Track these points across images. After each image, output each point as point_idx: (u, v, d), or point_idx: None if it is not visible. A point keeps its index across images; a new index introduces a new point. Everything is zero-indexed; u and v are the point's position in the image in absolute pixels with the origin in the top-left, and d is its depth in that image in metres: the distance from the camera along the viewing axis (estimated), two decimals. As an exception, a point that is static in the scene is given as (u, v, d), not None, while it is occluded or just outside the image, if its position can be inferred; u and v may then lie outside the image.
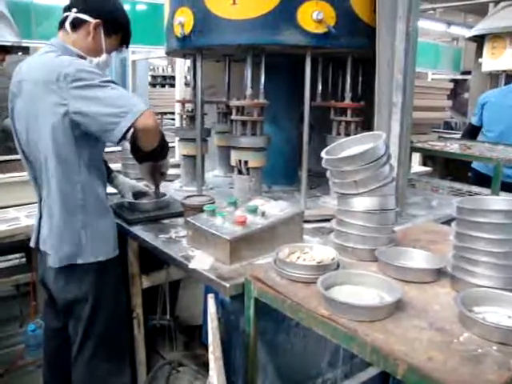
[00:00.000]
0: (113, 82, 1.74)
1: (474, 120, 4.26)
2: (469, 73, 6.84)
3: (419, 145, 3.49)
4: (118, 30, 1.96)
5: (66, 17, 1.86)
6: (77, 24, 1.85)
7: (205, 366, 2.46)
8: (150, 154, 1.93)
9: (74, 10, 1.85)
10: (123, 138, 1.70)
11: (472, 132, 4.32)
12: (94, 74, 1.69)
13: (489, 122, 4.17)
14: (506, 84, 5.24)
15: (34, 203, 2.77)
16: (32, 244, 1.96)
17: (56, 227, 1.81)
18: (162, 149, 1.95)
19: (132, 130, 1.70)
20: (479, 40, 5.26)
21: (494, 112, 4.13)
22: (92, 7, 1.87)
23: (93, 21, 1.85)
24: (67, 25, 1.85)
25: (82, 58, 1.87)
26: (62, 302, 1.89)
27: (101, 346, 1.91)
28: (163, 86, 9.66)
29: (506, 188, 3.23)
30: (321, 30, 2.06)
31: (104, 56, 1.94)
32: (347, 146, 1.74)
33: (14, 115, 1.88)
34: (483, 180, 3.79)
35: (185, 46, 2.29)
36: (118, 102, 1.68)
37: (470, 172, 4.25)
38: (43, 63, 1.77)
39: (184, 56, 2.75)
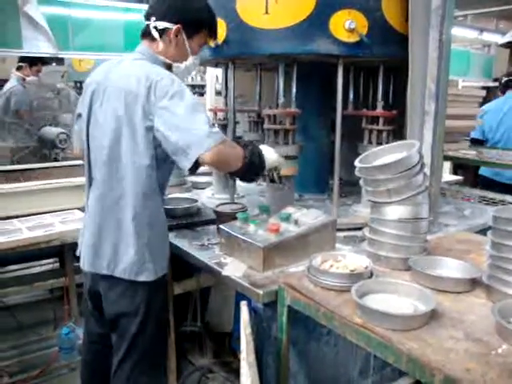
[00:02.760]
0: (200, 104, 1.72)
1: (473, 134, 4.24)
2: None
3: (451, 153, 3.44)
4: (201, 28, 1.89)
5: (147, 25, 1.84)
6: (158, 32, 1.82)
7: (234, 372, 2.48)
8: (238, 174, 1.88)
9: (153, 18, 1.82)
10: (195, 167, 1.69)
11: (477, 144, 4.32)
12: (183, 96, 1.66)
13: (489, 129, 4.29)
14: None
15: (68, 209, 2.87)
16: (78, 253, 1.95)
17: (124, 242, 1.77)
18: (249, 167, 1.83)
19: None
20: (512, 46, 5.18)
21: (494, 118, 4.28)
22: (170, 13, 1.81)
23: (172, 27, 1.81)
24: (149, 34, 1.83)
25: (168, 65, 1.87)
26: (111, 313, 1.87)
27: (142, 360, 1.89)
28: (193, 94, 9.77)
29: None
30: (353, 39, 2.07)
31: (190, 59, 1.91)
32: (380, 155, 1.74)
33: (91, 120, 1.82)
34: (491, 186, 3.78)
35: (218, 56, 2.33)
36: (195, 130, 1.63)
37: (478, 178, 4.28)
38: (134, 72, 1.73)
39: (216, 65, 2.79)
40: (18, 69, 4.55)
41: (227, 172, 1.91)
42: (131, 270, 1.76)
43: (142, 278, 1.77)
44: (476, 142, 4.27)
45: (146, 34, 1.85)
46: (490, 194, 3.31)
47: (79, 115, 1.92)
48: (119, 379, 1.91)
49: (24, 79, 4.52)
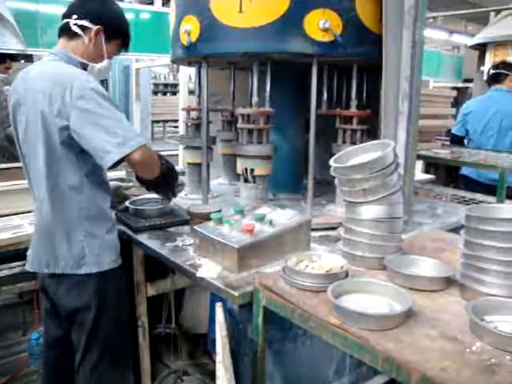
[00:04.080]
0: (116, 106, 1.77)
1: (455, 129, 4.28)
2: (470, 81, 6.87)
3: (423, 153, 3.49)
4: (119, 35, 1.97)
5: (66, 24, 1.86)
6: (77, 31, 1.85)
7: (210, 374, 2.46)
8: (153, 183, 1.98)
9: (74, 16, 1.85)
10: (114, 166, 1.72)
11: (456, 142, 4.36)
12: (99, 96, 1.69)
13: (474, 131, 4.23)
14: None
15: (28, 212, 2.80)
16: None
17: (59, 237, 1.81)
18: (165, 177, 1.98)
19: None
20: (481, 48, 5.28)
21: (478, 121, 4.18)
22: (92, 13, 1.86)
23: (94, 27, 1.86)
24: (68, 32, 1.86)
25: (84, 65, 1.89)
26: (64, 310, 1.89)
27: (104, 354, 1.89)
28: (165, 93, 9.67)
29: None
30: (327, 38, 2.07)
31: (105, 62, 1.95)
32: (355, 155, 1.74)
33: (17, 123, 1.86)
34: (473, 186, 3.83)
35: (191, 54, 2.30)
36: (116, 131, 1.68)
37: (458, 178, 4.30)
38: (50, 73, 1.77)
39: (189, 64, 2.76)
40: None
41: (145, 179, 1.97)
42: (71, 264, 1.80)
43: (83, 271, 1.80)
44: (456, 138, 4.31)
45: (65, 31, 1.87)
46: (469, 194, 3.36)
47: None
48: (82, 376, 1.91)
49: None
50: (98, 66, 1.94)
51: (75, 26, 1.84)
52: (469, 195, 3.45)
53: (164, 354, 2.72)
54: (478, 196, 3.43)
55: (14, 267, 3.31)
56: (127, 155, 1.69)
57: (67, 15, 1.88)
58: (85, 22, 1.84)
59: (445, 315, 1.32)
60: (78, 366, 1.91)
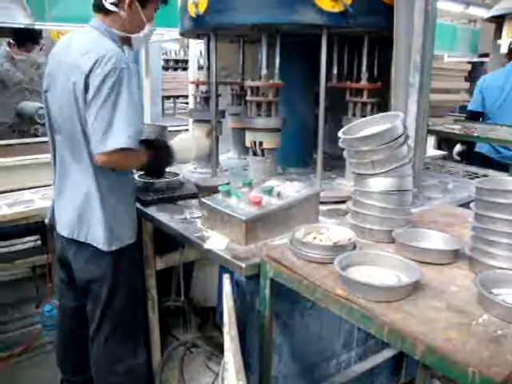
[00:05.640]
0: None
1: (472, 106, 4.13)
2: (486, 55, 6.71)
3: (436, 128, 3.44)
4: None
5: (100, 0, 1.80)
6: (112, 5, 1.79)
7: (219, 347, 2.48)
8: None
9: None
10: None
11: (474, 118, 4.20)
12: (121, 78, 1.67)
13: (491, 107, 4.07)
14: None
15: (48, 185, 2.82)
16: (48, 222, 1.98)
17: (89, 209, 1.82)
18: (147, 168, 1.99)
19: None
20: (498, 21, 5.14)
21: (495, 96, 4.03)
22: None
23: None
24: (102, 8, 1.80)
25: (125, 38, 1.87)
26: (81, 280, 1.91)
27: (117, 327, 1.93)
28: (175, 69, 9.62)
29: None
30: (337, 8, 2.02)
31: (147, 27, 1.90)
32: (364, 127, 1.72)
33: (48, 96, 1.86)
34: (486, 163, 3.74)
35: (199, 26, 2.26)
36: (105, 128, 1.66)
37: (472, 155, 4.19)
38: (83, 43, 1.75)
39: (198, 36, 2.72)
40: (9, 45, 4.39)
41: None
42: (97, 238, 1.81)
43: (104, 248, 1.81)
44: (474, 114, 4.19)
45: (99, 7, 1.82)
46: (482, 171, 3.30)
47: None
48: (96, 347, 1.95)
49: (13, 58, 4.36)
50: (140, 34, 1.90)
51: (108, 3, 1.78)
52: (481, 171, 3.40)
53: (173, 326, 2.75)
54: (491, 172, 3.38)
55: (26, 242, 3.36)
56: (98, 155, 1.69)
57: None
58: None
59: (452, 288, 1.31)
60: (92, 337, 1.96)
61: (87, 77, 1.66)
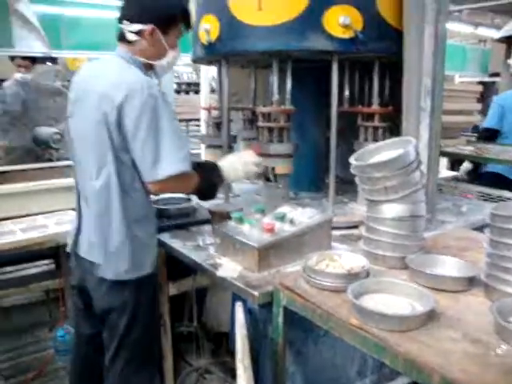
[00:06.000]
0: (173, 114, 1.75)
1: (490, 123, 4.02)
2: (497, 75, 6.71)
3: (448, 149, 3.43)
4: (175, 22, 1.87)
5: (122, 29, 1.82)
6: (133, 34, 1.80)
7: (232, 373, 2.46)
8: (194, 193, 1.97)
9: (126, 22, 1.80)
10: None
11: (489, 136, 4.08)
12: (156, 105, 1.67)
13: (509, 130, 3.99)
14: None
15: (62, 210, 2.84)
16: (69, 249, 1.97)
17: (113, 240, 1.79)
18: (199, 194, 1.96)
19: None
20: (508, 41, 5.15)
21: None
22: (142, 14, 1.79)
23: (146, 28, 1.79)
24: (125, 38, 1.81)
25: (150, 65, 1.87)
26: (100, 309, 1.88)
27: (135, 355, 1.90)
28: (187, 92, 9.72)
29: None
30: (348, 34, 2.04)
31: (170, 54, 1.89)
32: (376, 152, 1.72)
33: (73, 120, 1.86)
34: (501, 182, 3.69)
35: (211, 53, 2.30)
36: (154, 156, 1.67)
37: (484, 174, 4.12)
38: (113, 76, 1.74)
39: (210, 63, 2.76)
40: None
41: None
42: (115, 269, 1.79)
43: (125, 278, 1.79)
44: (489, 133, 4.06)
45: (122, 37, 1.83)
46: (496, 192, 3.26)
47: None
48: (112, 376, 1.92)
49: (27, 84, 4.43)
50: (163, 61, 1.90)
51: (129, 32, 1.80)
52: (496, 192, 3.36)
53: (186, 352, 2.73)
54: (506, 193, 3.34)
55: (40, 265, 3.38)
56: (150, 183, 1.71)
57: (120, 21, 1.83)
58: (136, 26, 1.79)
59: (468, 316, 1.29)
60: (108, 366, 1.93)
61: (120, 108, 1.65)
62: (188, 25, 1.93)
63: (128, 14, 1.80)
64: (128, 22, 1.79)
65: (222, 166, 1.98)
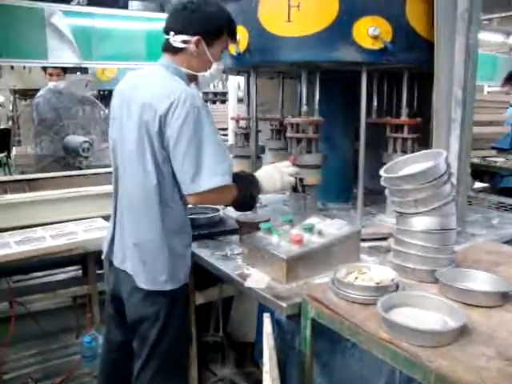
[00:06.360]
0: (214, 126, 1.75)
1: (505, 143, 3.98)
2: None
3: (477, 160, 3.37)
4: (221, 35, 1.86)
5: (167, 40, 1.83)
6: (178, 46, 1.81)
7: (256, 383, 2.45)
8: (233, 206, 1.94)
9: (172, 32, 1.81)
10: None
11: None
12: (200, 116, 1.67)
13: None
14: None
15: (92, 218, 2.89)
16: (104, 256, 1.98)
17: (151, 251, 1.80)
18: (238, 206, 1.93)
19: None
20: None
21: None
22: (187, 26, 1.79)
23: (192, 39, 1.79)
24: (170, 48, 1.83)
25: (193, 76, 1.88)
26: (132, 318, 1.89)
27: (164, 365, 1.90)
28: (214, 102, 9.79)
29: None
30: (377, 46, 2.04)
31: (214, 66, 1.90)
32: (406, 164, 1.70)
33: (116, 129, 1.87)
34: None
35: (240, 64, 2.32)
36: (195, 168, 1.67)
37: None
38: (157, 87, 1.75)
39: (238, 73, 2.78)
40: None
41: None
42: (156, 279, 1.78)
43: (164, 288, 1.79)
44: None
45: (167, 48, 1.85)
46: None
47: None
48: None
49: (60, 92, 4.53)
50: (207, 73, 1.90)
51: (175, 42, 1.80)
52: (527, 205, 3.29)
53: (211, 361, 2.73)
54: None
55: (68, 271, 3.43)
56: (192, 194, 1.71)
57: (166, 31, 1.84)
58: (182, 37, 1.79)
59: (502, 333, 1.27)
60: (137, 374, 1.92)
61: (163, 118, 1.66)
62: (234, 37, 1.94)
63: (174, 25, 1.82)
64: (174, 33, 1.80)
65: (259, 176, 1.96)
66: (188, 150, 1.66)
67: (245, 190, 1.87)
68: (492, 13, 7.26)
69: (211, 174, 1.68)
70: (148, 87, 1.77)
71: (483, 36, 7.94)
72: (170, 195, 1.76)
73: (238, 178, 1.87)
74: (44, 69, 4.44)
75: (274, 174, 1.99)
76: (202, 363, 2.58)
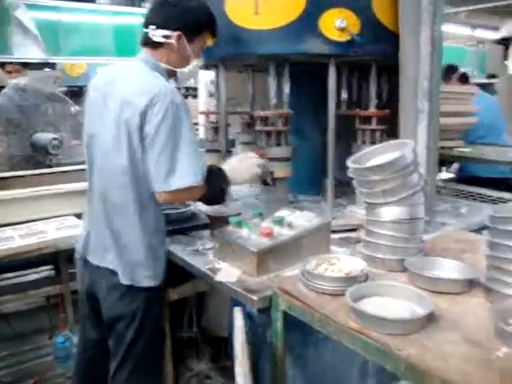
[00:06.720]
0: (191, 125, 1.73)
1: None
2: (494, 76, 6.72)
3: (446, 151, 3.41)
4: (201, 31, 1.86)
5: (146, 34, 1.81)
6: (158, 40, 1.79)
7: (232, 377, 2.44)
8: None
9: (152, 26, 1.78)
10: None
11: None
12: (178, 113, 1.66)
13: None
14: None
15: (63, 216, 2.84)
16: (78, 255, 1.95)
17: (130, 248, 1.78)
18: (208, 197, 1.89)
19: None
20: (506, 42, 5.17)
21: None
22: (169, 21, 1.78)
23: (173, 34, 1.78)
24: (149, 42, 1.80)
25: (172, 72, 1.86)
26: (108, 317, 1.87)
27: (140, 365, 1.88)
28: (186, 97, 9.73)
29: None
30: (344, 38, 2.05)
31: (194, 62, 1.90)
32: (373, 155, 1.72)
33: (91, 126, 1.84)
34: (473, 182, 3.67)
35: (207, 58, 2.29)
36: (169, 166, 1.66)
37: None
38: (136, 82, 1.73)
39: (207, 67, 2.76)
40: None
41: None
42: (135, 276, 1.78)
43: (143, 284, 1.79)
44: None
45: (146, 42, 1.82)
46: (496, 193, 3.26)
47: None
48: (117, 383, 1.90)
49: (24, 89, 4.42)
50: (186, 69, 1.90)
51: (155, 37, 1.78)
52: (495, 194, 3.35)
53: (186, 357, 2.72)
54: (506, 195, 3.33)
55: (40, 271, 3.37)
56: (164, 192, 1.69)
57: (145, 25, 1.82)
58: (163, 32, 1.77)
59: (468, 319, 1.29)
60: (112, 375, 1.91)
61: (143, 115, 1.64)
62: (214, 33, 1.93)
63: (155, 19, 1.80)
64: (154, 27, 1.78)
65: (227, 169, 1.95)
66: (165, 147, 1.65)
67: (214, 185, 1.85)
68: (459, 6, 7.37)
69: (185, 173, 1.67)
70: (126, 83, 1.75)
71: (451, 29, 8.05)
72: (147, 192, 1.75)
73: (206, 172, 1.85)
74: (1, 66, 4.32)
75: (241, 165, 1.98)
76: (178, 359, 2.56)
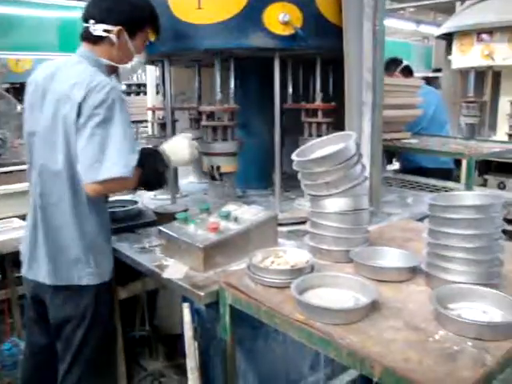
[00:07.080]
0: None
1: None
2: (440, 70, 6.92)
3: (391, 143, 3.49)
4: (143, 26, 1.83)
5: (87, 28, 1.76)
6: (98, 34, 1.74)
7: (186, 375, 2.43)
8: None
9: (92, 21, 1.73)
10: None
11: None
12: (113, 106, 1.62)
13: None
14: (476, 80, 5.35)
15: (7, 218, 2.74)
16: (22, 257, 1.88)
17: (66, 248, 1.74)
18: (145, 182, 1.83)
19: None
20: (448, 38, 5.32)
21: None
22: (109, 15, 1.74)
23: (114, 29, 1.74)
24: (89, 37, 1.76)
25: (113, 67, 1.82)
26: (55, 320, 1.81)
27: (91, 367, 1.84)
28: (138, 93, 9.57)
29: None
30: (288, 31, 2.05)
31: (135, 58, 1.86)
32: (318, 148, 1.73)
33: (30, 121, 1.78)
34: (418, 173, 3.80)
35: (152, 53, 2.25)
36: (97, 154, 1.60)
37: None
38: (74, 77, 1.67)
39: (152, 63, 2.72)
40: None
41: None
42: (74, 274, 1.73)
43: (85, 282, 1.74)
44: None
45: (86, 36, 1.77)
46: (442, 183, 3.37)
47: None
48: None
49: None
50: (128, 65, 1.86)
51: (95, 31, 1.74)
52: (440, 183, 3.46)
53: (140, 356, 2.68)
54: (450, 184, 3.44)
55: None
56: (91, 183, 1.63)
57: (85, 19, 1.76)
58: (103, 26, 1.73)
59: (410, 305, 1.32)
60: (62, 378, 1.84)
61: (79, 107, 1.60)
62: (156, 29, 1.90)
63: (95, 13, 1.75)
64: (94, 21, 1.73)
65: (165, 150, 1.89)
66: (94, 134, 1.60)
67: (148, 167, 1.78)
68: (404, 2, 7.54)
69: (114, 163, 1.62)
70: (65, 79, 1.69)
71: (397, 24, 8.23)
72: (84, 191, 1.69)
73: (139, 155, 1.77)
74: None
75: (181, 144, 1.94)
76: (131, 358, 2.53)
